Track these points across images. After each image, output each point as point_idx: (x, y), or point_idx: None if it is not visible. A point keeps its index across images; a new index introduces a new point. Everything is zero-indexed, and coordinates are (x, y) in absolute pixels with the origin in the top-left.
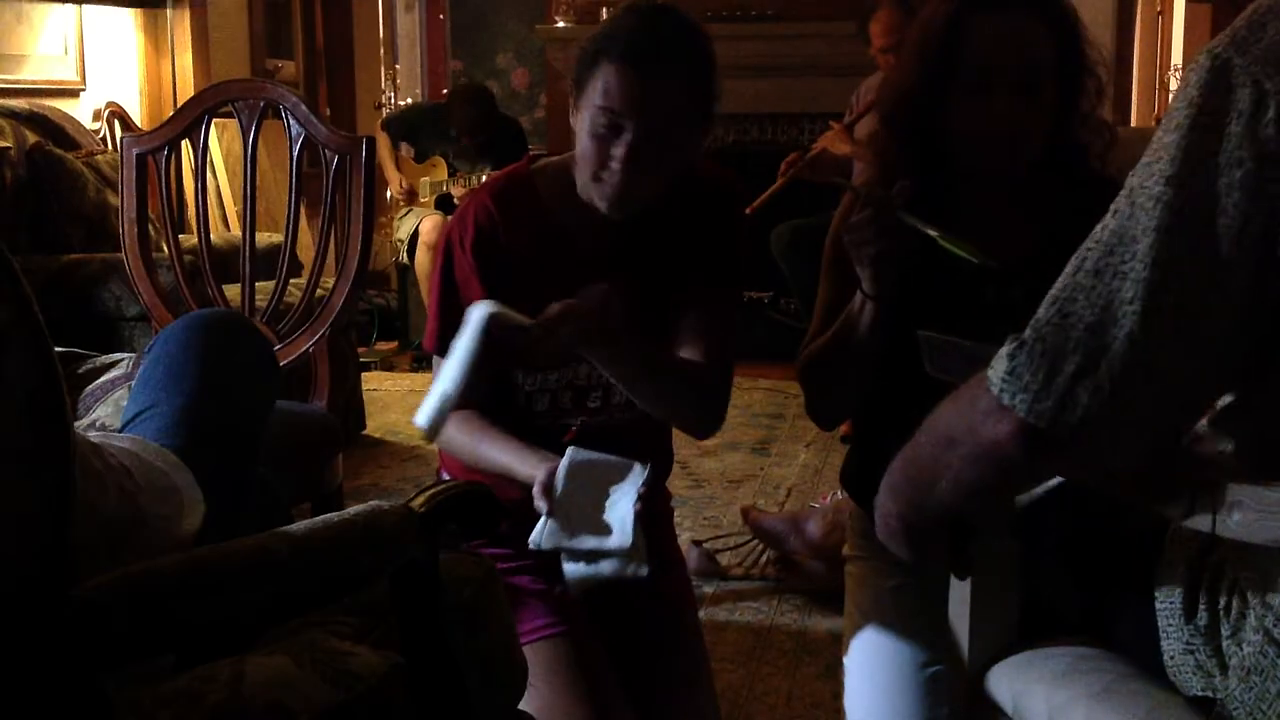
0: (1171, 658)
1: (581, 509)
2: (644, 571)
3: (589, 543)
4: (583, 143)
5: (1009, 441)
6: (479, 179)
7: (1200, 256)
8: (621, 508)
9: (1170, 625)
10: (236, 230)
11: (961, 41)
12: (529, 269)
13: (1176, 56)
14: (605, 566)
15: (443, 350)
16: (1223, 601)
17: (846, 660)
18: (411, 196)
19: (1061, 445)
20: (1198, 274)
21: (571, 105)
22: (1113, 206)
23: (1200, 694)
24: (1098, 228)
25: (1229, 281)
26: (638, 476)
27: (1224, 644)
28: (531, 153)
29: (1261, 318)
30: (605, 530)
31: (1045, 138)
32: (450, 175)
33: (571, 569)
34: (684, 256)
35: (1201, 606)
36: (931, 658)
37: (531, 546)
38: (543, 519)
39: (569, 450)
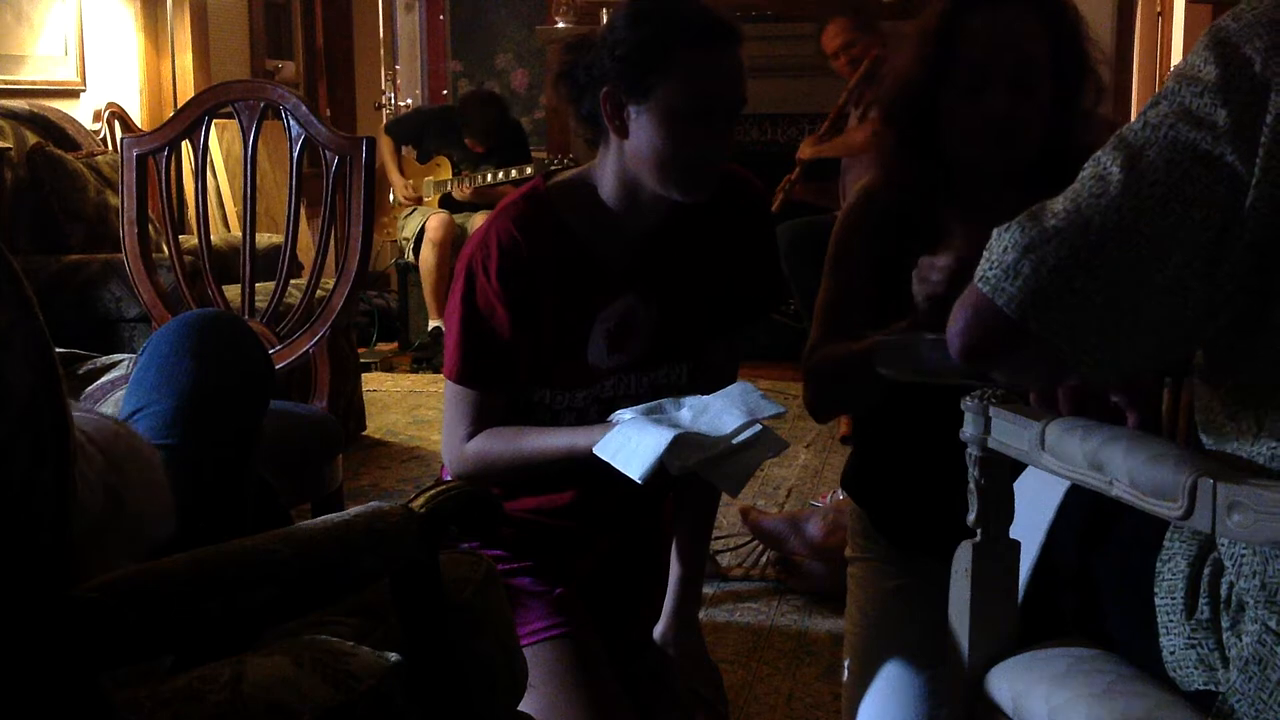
0: (1172, 653)
1: (686, 422)
2: (785, 445)
3: (728, 426)
4: (661, 140)
5: (971, 324)
6: (483, 178)
7: (1172, 172)
8: (720, 401)
9: (1171, 621)
10: (236, 231)
11: (956, 38)
12: (555, 288)
13: (1176, 56)
14: (751, 456)
15: (466, 379)
16: (1223, 594)
17: (848, 661)
18: (417, 200)
19: (1005, 323)
20: (1166, 186)
21: (616, 112)
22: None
23: (1202, 688)
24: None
25: (1192, 203)
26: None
27: (1225, 636)
28: (548, 168)
29: (1225, 268)
30: (728, 420)
31: (1041, 134)
32: (455, 175)
33: (719, 474)
34: (714, 262)
35: (1203, 601)
36: (933, 658)
37: (642, 479)
38: (650, 455)
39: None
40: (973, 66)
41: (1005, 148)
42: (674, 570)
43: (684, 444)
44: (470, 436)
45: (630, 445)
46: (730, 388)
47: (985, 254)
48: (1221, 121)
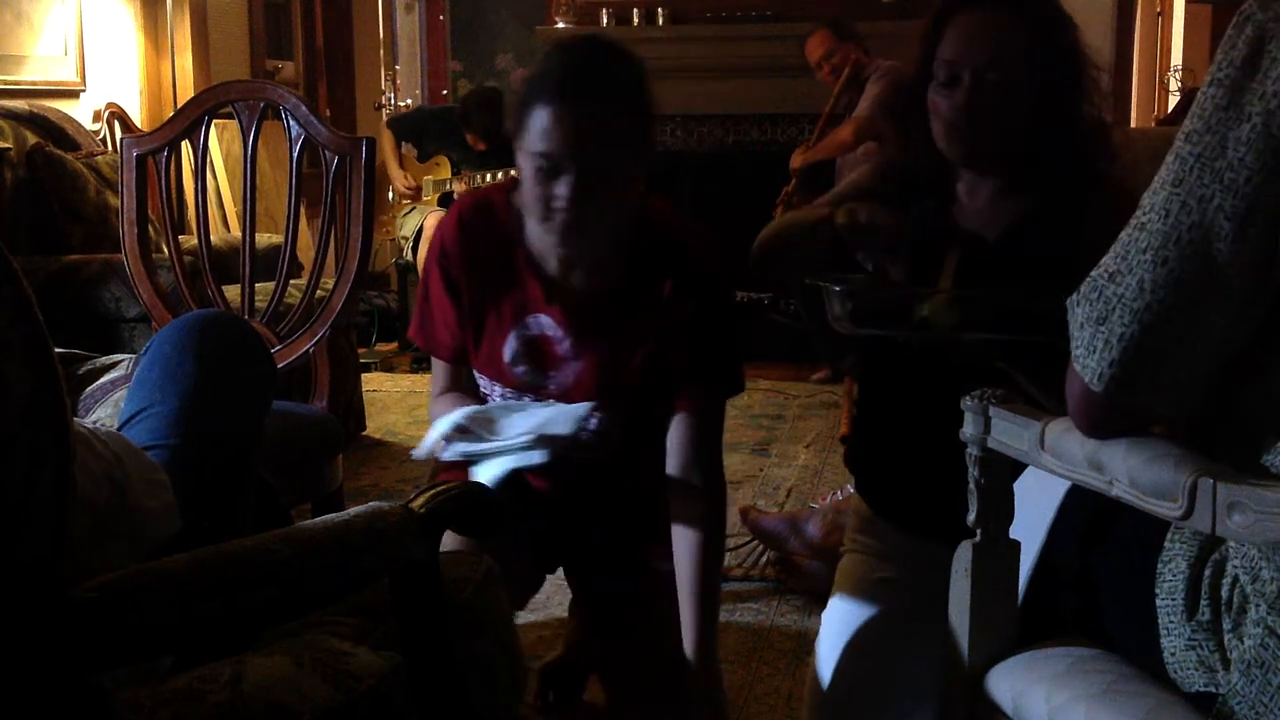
0: (1173, 654)
1: (489, 424)
2: (537, 458)
3: (509, 431)
4: (527, 187)
5: (1079, 405)
6: (482, 179)
7: (1206, 210)
8: (541, 410)
9: (1172, 622)
10: (236, 231)
11: (941, 37)
12: (483, 284)
13: (1176, 56)
14: (505, 460)
15: (415, 337)
16: (1225, 596)
17: (818, 644)
18: (416, 194)
19: (1103, 399)
20: (1202, 228)
21: (515, 148)
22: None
23: (1202, 689)
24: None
25: (1232, 238)
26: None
27: (1226, 638)
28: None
29: (1265, 281)
30: (515, 426)
31: (1019, 132)
32: (454, 174)
33: (478, 468)
34: (646, 323)
35: (1204, 602)
36: (903, 650)
37: (424, 456)
38: (432, 435)
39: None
40: (946, 61)
41: (968, 139)
42: (681, 606)
43: (462, 432)
44: (436, 397)
45: (440, 424)
46: (569, 406)
47: (1070, 327)
48: (1244, 136)
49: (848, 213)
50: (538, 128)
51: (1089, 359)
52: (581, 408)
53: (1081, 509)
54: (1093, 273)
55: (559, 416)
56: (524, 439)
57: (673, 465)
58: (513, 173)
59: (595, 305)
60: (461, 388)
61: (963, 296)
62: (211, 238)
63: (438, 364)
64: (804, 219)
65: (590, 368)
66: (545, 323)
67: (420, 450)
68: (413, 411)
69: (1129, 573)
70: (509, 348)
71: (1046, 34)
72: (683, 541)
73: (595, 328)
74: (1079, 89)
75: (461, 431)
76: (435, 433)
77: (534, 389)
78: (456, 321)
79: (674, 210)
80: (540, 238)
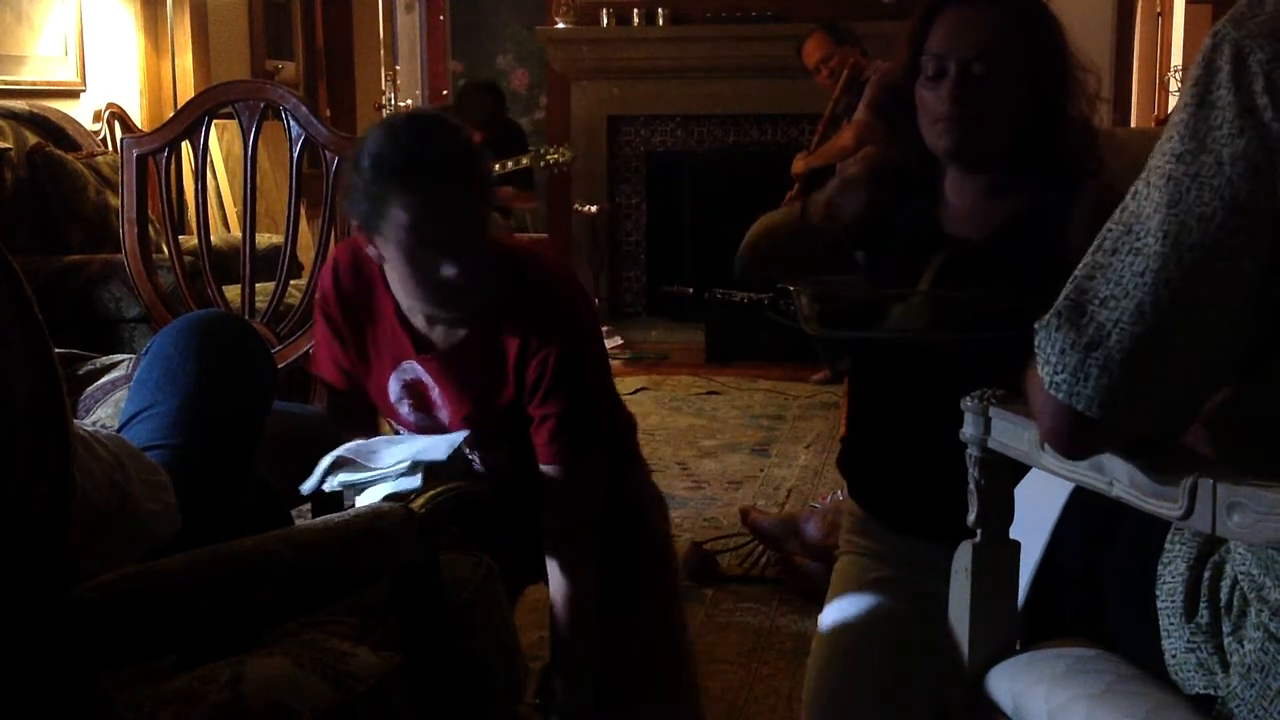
0: (1174, 656)
1: (371, 455)
2: (414, 483)
3: (384, 461)
4: (402, 271)
5: (1059, 428)
6: None
7: (1207, 229)
8: (419, 441)
9: (1172, 624)
10: (236, 231)
11: (928, 34)
12: (362, 328)
13: (1176, 56)
14: (383, 487)
15: (317, 369)
16: (1224, 599)
17: (814, 645)
18: None
19: (1092, 422)
20: (1204, 247)
21: (368, 238)
22: (1132, 188)
23: (1202, 692)
24: (1118, 209)
25: (1235, 254)
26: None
27: (1225, 641)
28: (544, 157)
29: (1269, 293)
30: (389, 455)
31: (1007, 127)
32: None
33: (359, 498)
34: (503, 368)
35: (1203, 605)
36: (900, 650)
37: (307, 490)
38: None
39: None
40: (934, 56)
41: (955, 132)
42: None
43: (341, 465)
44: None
45: (324, 460)
46: (445, 435)
47: (1040, 355)
48: (1240, 151)
49: (814, 202)
50: (403, 215)
51: (1079, 385)
52: (456, 436)
53: (1087, 509)
54: (1071, 297)
55: (435, 443)
56: (401, 466)
57: (543, 518)
58: (509, 164)
59: (456, 357)
60: (352, 415)
61: (934, 297)
62: (211, 238)
63: (328, 390)
64: (778, 220)
65: (460, 415)
66: (418, 369)
67: (308, 484)
68: None
69: (1133, 573)
70: (392, 389)
71: (1033, 31)
72: (553, 596)
73: (458, 379)
74: (1065, 88)
75: (345, 463)
76: (320, 467)
77: (425, 430)
78: (342, 358)
79: (541, 261)
80: (403, 296)
